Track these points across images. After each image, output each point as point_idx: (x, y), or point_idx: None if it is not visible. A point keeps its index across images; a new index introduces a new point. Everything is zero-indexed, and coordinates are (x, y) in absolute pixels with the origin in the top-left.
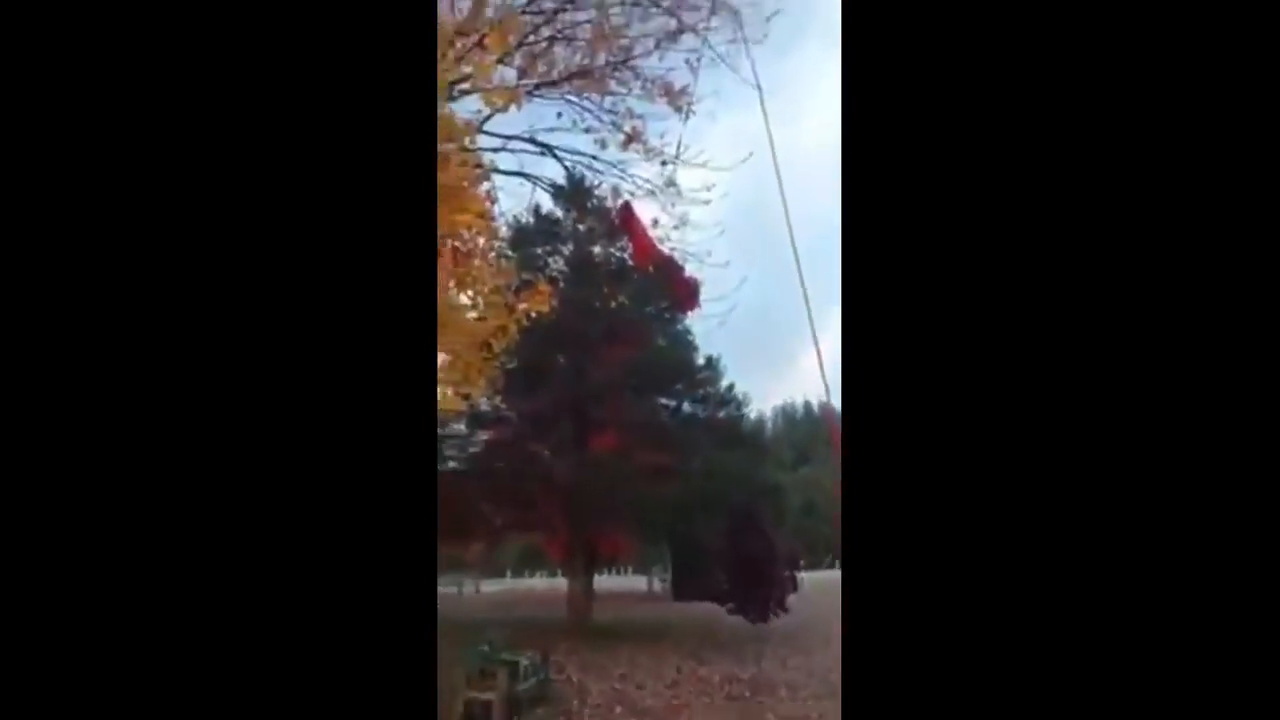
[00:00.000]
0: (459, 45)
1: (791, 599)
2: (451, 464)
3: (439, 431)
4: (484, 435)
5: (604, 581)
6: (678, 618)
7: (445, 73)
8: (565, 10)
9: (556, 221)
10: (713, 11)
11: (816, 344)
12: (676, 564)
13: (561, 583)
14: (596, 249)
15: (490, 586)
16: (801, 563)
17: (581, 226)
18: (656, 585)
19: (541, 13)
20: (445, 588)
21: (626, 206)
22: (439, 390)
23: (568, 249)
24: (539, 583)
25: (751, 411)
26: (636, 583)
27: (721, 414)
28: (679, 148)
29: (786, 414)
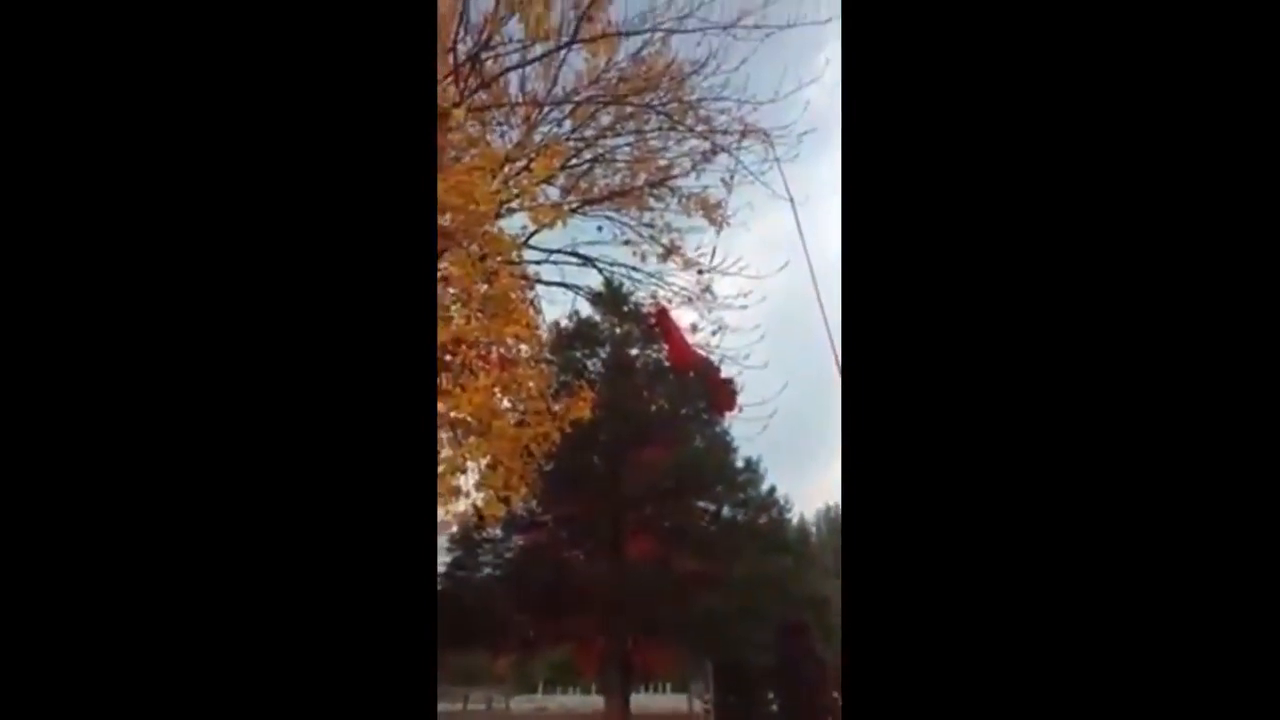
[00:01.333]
0: (507, 169)
1: None
2: (486, 570)
3: (474, 536)
4: (519, 540)
5: (641, 700)
6: None
7: (496, 193)
8: (606, 136)
9: (594, 325)
10: (744, 135)
11: None
12: (719, 684)
13: (595, 700)
14: (634, 351)
15: (521, 703)
16: None
17: (619, 330)
18: (697, 705)
19: (584, 138)
20: (473, 704)
21: (662, 312)
22: (480, 495)
23: (605, 351)
24: (572, 699)
25: (794, 516)
26: (676, 702)
27: (763, 519)
28: (713, 257)
29: (830, 519)
